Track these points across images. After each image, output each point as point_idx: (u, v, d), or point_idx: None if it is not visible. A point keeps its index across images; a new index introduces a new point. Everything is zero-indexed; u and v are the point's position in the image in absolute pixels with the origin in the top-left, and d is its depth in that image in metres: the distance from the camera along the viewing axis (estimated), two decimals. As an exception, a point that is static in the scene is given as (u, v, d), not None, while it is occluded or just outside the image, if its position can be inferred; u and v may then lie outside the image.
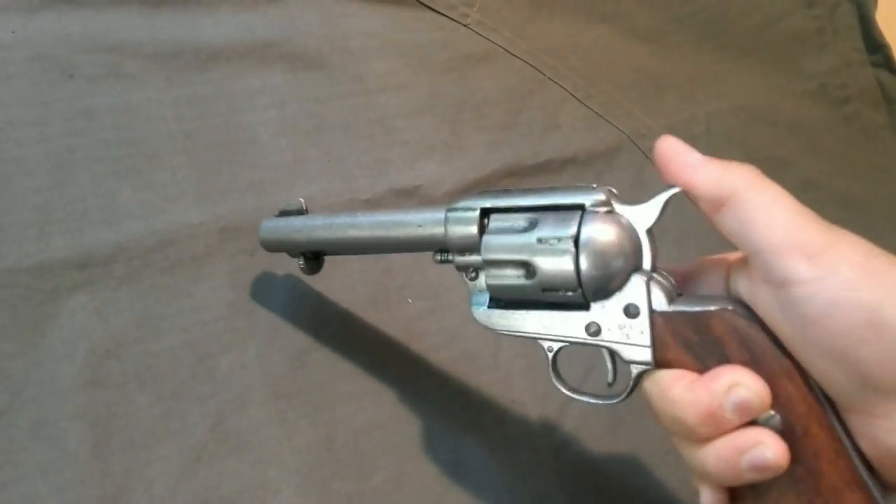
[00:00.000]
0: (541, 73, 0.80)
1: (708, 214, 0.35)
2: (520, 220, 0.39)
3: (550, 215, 0.38)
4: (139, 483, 0.49)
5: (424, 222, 0.44)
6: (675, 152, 0.36)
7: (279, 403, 0.55)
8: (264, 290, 0.57)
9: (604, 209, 0.37)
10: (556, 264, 0.37)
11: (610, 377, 0.40)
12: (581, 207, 0.37)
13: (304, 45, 0.67)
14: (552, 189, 0.39)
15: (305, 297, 0.59)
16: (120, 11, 0.60)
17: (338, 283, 0.60)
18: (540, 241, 0.37)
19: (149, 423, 0.51)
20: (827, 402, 0.33)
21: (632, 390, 0.39)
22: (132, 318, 0.53)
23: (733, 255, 0.38)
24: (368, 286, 0.61)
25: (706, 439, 0.34)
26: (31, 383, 0.49)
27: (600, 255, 0.36)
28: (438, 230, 0.43)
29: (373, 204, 0.64)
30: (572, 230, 0.37)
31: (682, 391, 0.34)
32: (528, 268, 0.38)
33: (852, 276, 0.30)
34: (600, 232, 0.36)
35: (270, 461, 0.53)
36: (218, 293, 0.56)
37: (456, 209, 0.42)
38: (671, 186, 0.36)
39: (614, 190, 0.38)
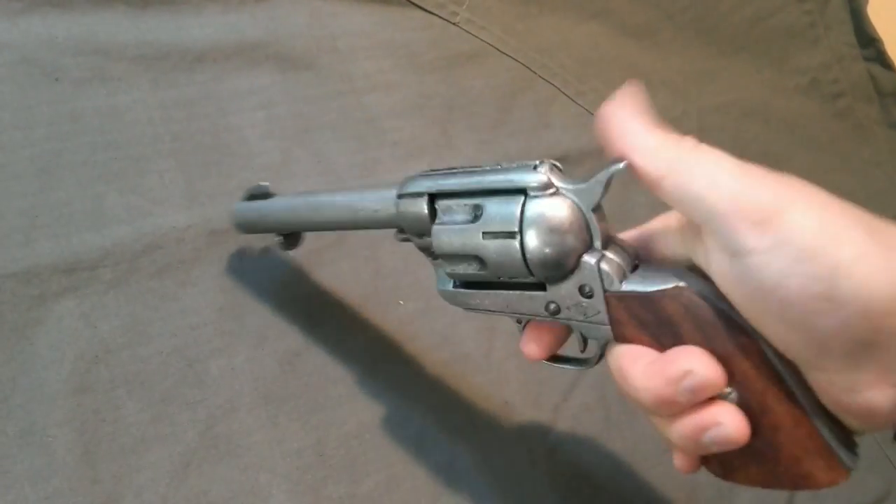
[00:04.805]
0: (531, 70, 0.79)
1: (650, 187, 0.33)
2: (466, 207, 0.39)
3: (494, 202, 0.37)
4: (129, 490, 0.49)
5: (380, 207, 0.44)
6: (616, 119, 0.34)
7: (269, 407, 0.54)
8: (254, 290, 0.57)
9: (547, 192, 0.36)
10: (503, 256, 0.37)
11: (581, 346, 0.40)
12: (524, 192, 0.36)
13: (292, 45, 0.67)
14: (496, 169, 0.38)
15: (296, 300, 0.58)
16: (105, 14, 0.59)
17: (328, 285, 0.60)
18: (485, 234, 0.37)
19: (138, 428, 0.50)
20: (788, 368, 0.32)
21: (599, 358, 0.39)
22: (120, 324, 0.52)
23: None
24: (359, 288, 0.61)
25: (668, 417, 0.34)
26: (19, 390, 0.48)
27: (545, 243, 0.35)
28: (393, 213, 0.43)
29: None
30: (515, 220, 0.36)
31: (639, 376, 0.34)
32: (480, 260, 0.38)
33: (804, 244, 0.28)
34: (543, 219, 0.35)
35: (261, 466, 0.52)
36: (207, 297, 0.55)
37: (405, 195, 0.42)
38: (615, 161, 0.34)
39: (558, 165, 0.37)
